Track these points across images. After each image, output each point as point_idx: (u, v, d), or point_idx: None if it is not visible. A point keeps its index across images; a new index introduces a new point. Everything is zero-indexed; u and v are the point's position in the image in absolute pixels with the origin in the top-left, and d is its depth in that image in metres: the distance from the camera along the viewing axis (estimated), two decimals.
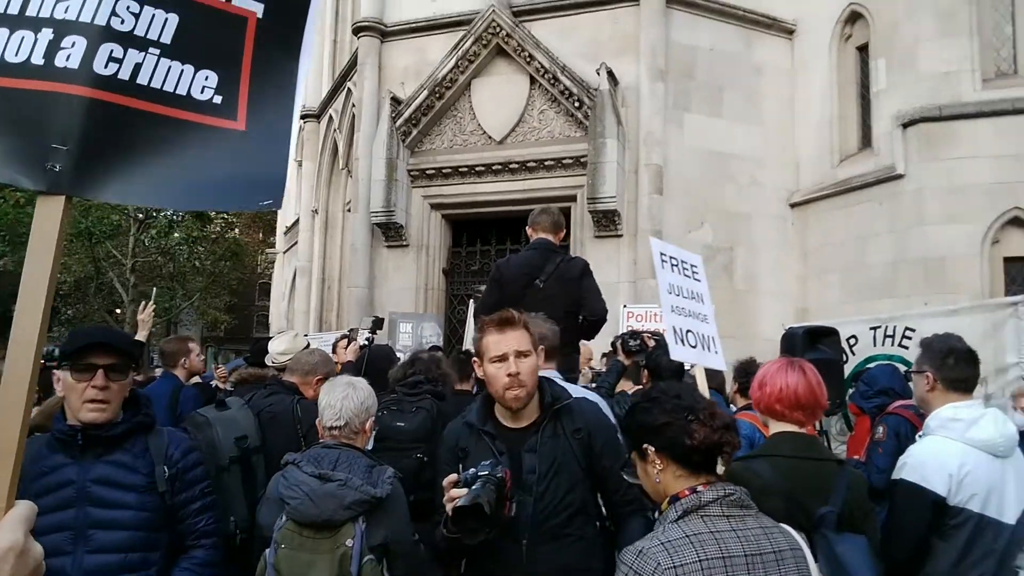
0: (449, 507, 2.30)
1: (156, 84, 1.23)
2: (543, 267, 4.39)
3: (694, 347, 3.51)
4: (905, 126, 8.78)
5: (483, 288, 5.09)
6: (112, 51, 1.22)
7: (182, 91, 1.25)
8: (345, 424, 2.88)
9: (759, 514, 1.85)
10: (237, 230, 34.80)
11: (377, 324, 5.17)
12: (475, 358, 2.78)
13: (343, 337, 6.68)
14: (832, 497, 2.46)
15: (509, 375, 2.53)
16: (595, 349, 6.86)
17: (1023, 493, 2.77)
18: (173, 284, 26.65)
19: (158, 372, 6.43)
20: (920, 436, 2.97)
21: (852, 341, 6.64)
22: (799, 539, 1.88)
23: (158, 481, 2.60)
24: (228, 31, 1.30)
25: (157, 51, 1.23)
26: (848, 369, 6.43)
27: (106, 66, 1.21)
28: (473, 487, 2.25)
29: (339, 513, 2.63)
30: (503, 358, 2.56)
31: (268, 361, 4.72)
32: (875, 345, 6.48)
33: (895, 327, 6.36)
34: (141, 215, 21.74)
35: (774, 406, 2.63)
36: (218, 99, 1.28)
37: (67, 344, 2.57)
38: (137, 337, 5.69)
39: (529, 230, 4.64)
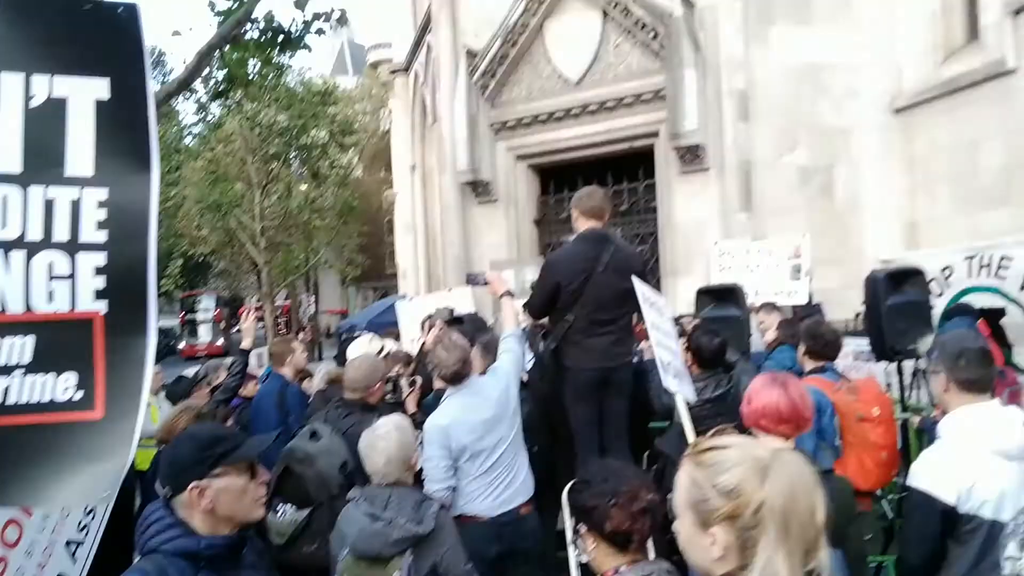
0: None
1: (23, 400, 1.49)
2: (599, 257, 4.45)
3: (676, 378, 3.68)
4: (1017, 12, 7.91)
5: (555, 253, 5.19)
6: None
7: (46, 399, 1.53)
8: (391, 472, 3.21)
9: None
10: (360, 170, 35.99)
11: (454, 319, 5.38)
12: None
13: (427, 318, 7.02)
14: None
15: None
16: None
17: None
18: (301, 239, 28.20)
19: None
20: (935, 438, 2.95)
21: (947, 272, 6.34)
22: None
23: None
24: (79, 334, 1.55)
25: (22, 370, 1.50)
26: (943, 302, 6.15)
27: None
28: None
29: (386, 549, 2.99)
30: None
31: None
32: (970, 276, 6.16)
33: (991, 256, 6.00)
34: (263, 182, 22.97)
35: (760, 421, 2.80)
36: (79, 395, 1.55)
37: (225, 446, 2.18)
38: (243, 345, 6.27)
39: (574, 213, 4.65)
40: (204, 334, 37.70)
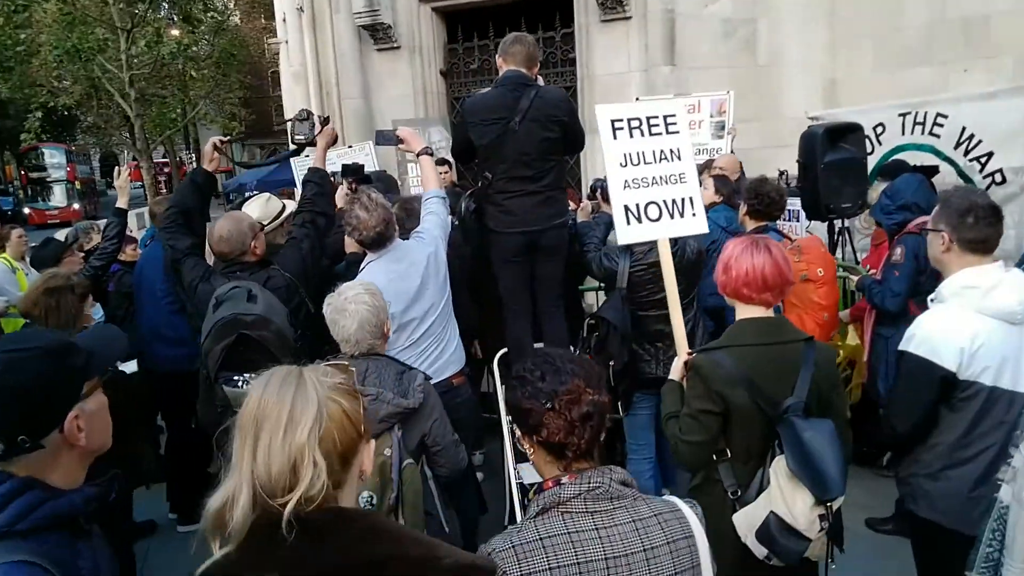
0: None
1: None
2: (516, 105, 3.93)
3: (656, 219, 3.23)
4: None
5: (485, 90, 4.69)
6: None
7: None
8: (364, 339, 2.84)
9: (636, 502, 1.66)
10: (237, 17, 33.03)
11: (355, 173, 4.75)
12: None
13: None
14: (799, 383, 2.43)
15: None
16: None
17: None
18: (176, 91, 25.86)
19: None
20: (932, 301, 2.73)
21: (879, 129, 6.18)
22: (692, 522, 1.69)
23: None
24: None
25: None
26: (875, 159, 6.02)
27: None
28: None
29: (374, 427, 2.64)
30: None
31: None
32: (903, 133, 6.02)
33: (926, 113, 5.85)
34: (127, 27, 20.48)
35: (741, 290, 2.55)
36: None
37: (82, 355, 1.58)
38: (118, 204, 5.48)
39: (499, 60, 4.11)
40: (58, 197, 34.10)
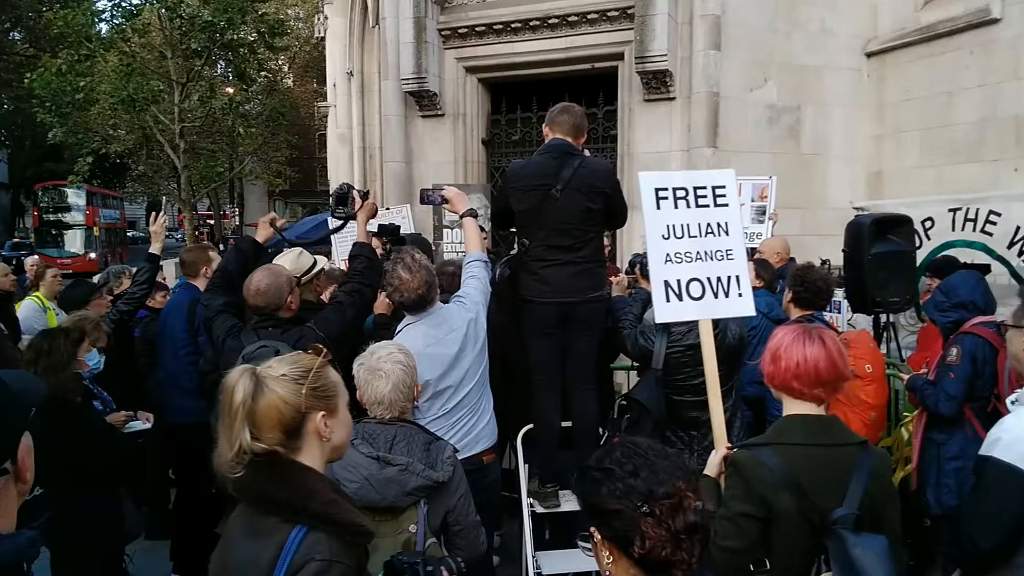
0: None
1: None
2: (559, 173, 3.85)
3: (698, 298, 3.01)
4: None
5: (516, 161, 4.64)
6: None
7: None
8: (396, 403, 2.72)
9: None
10: (291, 79, 34.13)
11: (390, 233, 4.70)
12: None
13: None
14: (850, 492, 2.20)
15: None
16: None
17: None
18: (224, 146, 26.54)
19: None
20: (1014, 404, 2.55)
21: (928, 224, 6.00)
22: None
23: None
24: None
25: None
26: (922, 255, 5.83)
27: None
28: None
29: (401, 499, 2.52)
30: None
31: None
32: (954, 230, 5.84)
33: (978, 210, 5.68)
34: (182, 81, 21.20)
35: (791, 383, 2.33)
36: None
37: None
38: (151, 250, 5.47)
39: (546, 129, 4.08)
40: (73, 243, 30.13)
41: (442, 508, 2.63)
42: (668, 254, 3.01)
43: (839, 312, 6.00)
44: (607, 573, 1.49)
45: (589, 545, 1.57)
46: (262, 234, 4.16)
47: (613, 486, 1.45)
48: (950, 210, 5.80)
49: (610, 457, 1.50)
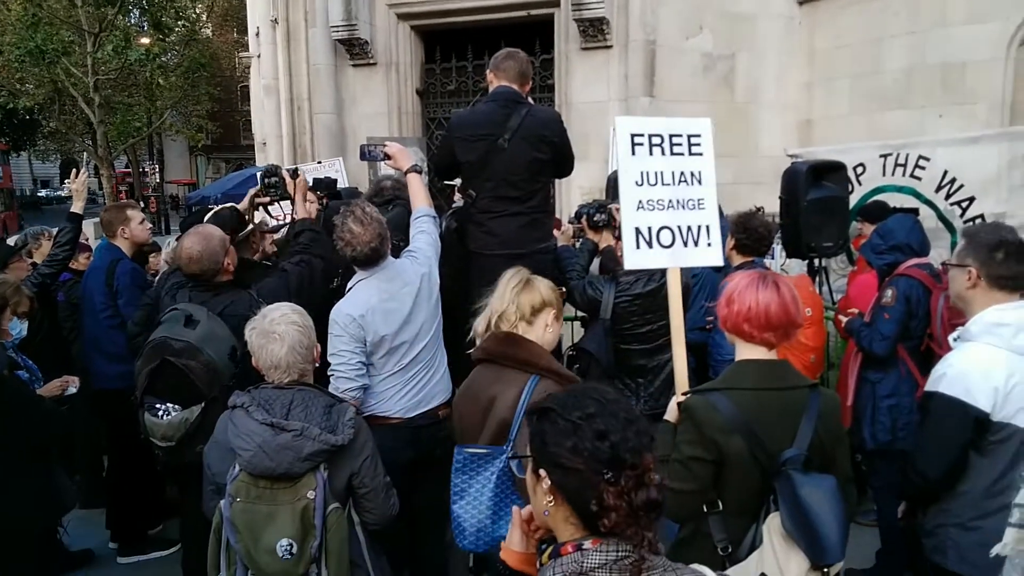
0: None
1: None
2: (506, 123, 3.77)
3: (668, 246, 2.97)
4: None
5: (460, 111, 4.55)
6: None
7: None
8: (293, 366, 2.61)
9: (666, 573, 1.41)
10: (209, 29, 32.68)
11: (326, 187, 4.56)
12: None
13: None
14: (800, 434, 2.24)
15: None
16: None
17: None
18: (142, 99, 25.33)
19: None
20: (956, 341, 2.63)
21: (859, 170, 6.13)
22: None
23: None
24: None
25: None
26: (854, 200, 5.96)
27: None
28: None
29: (296, 466, 2.42)
30: None
31: None
32: (884, 175, 5.98)
33: (907, 155, 5.81)
34: (94, 31, 19.98)
35: (742, 326, 2.36)
36: None
37: None
38: (73, 209, 5.17)
39: (490, 75, 3.97)
40: None
41: (345, 472, 2.56)
42: (640, 201, 2.96)
43: (772, 258, 6.11)
44: (545, 512, 1.47)
45: (519, 463, 1.56)
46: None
47: (580, 444, 1.39)
48: (881, 156, 5.93)
49: (579, 408, 1.43)
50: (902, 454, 3.60)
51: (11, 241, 6.19)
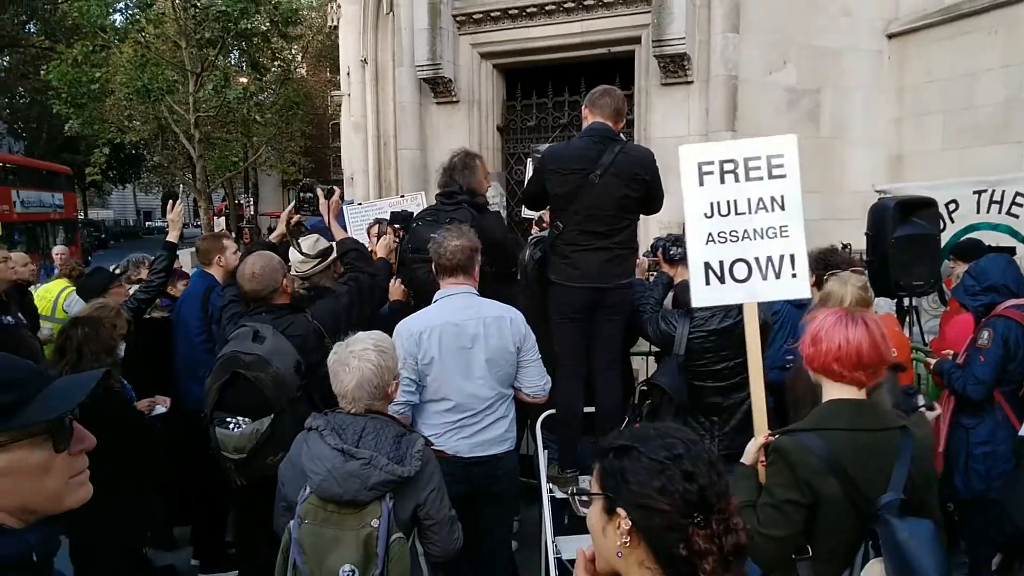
0: None
1: None
2: (599, 159, 3.81)
3: (743, 280, 2.83)
4: None
5: (541, 147, 4.63)
6: None
7: None
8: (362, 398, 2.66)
9: None
10: (304, 69, 34.10)
11: (403, 221, 4.69)
12: None
13: (375, 223, 6.34)
14: (894, 477, 2.17)
15: None
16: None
17: None
18: (239, 135, 26.58)
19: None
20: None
21: (952, 207, 5.91)
22: None
23: None
24: None
25: None
26: (946, 238, 5.74)
27: None
28: None
29: (363, 494, 2.47)
30: None
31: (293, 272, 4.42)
32: (978, 212, 5.74)
33: (1003, 192, 5.58)
34: (196, 71, 21.19)
35: (831, 366, 2.28)
36: None
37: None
38: (168, 239, 5.46)
39: (585, 111, 4.02)
40: None
41: (411, 502, 2.58)
42: (711, 234, 2.84)
43: None
44: (618, 554, 1.41)
45: (583, 500, 1.51)
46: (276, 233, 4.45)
47: (669, 485, 1.34)
48: (975, 192, 5.71)
49: (666, 448, 1.38)
50: (996, 503, 3.41)
51: (114, 268, 6.59)
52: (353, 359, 2.63)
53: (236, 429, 3.28)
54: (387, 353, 2.71)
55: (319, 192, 4.18)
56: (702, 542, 1.30)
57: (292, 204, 4.41)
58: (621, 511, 1.38)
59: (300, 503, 2.55)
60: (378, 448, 2.53)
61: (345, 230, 7.76)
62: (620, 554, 1.40)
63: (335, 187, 4.47)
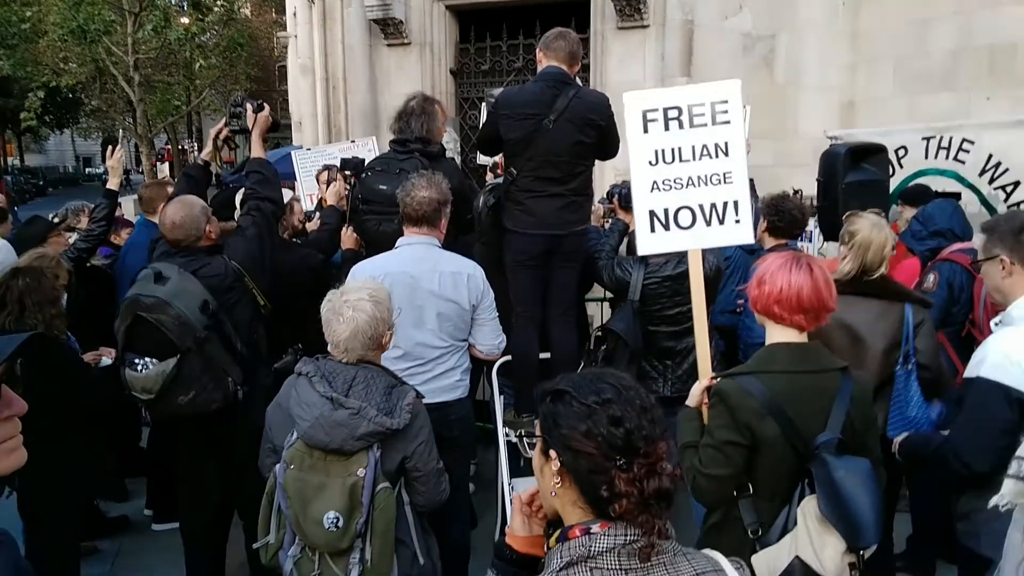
0: None
1: None
2: (553, 103, 3.73)
3: (687, 227, 2.81)
4: None
5: (496, 91, 4.53)
6: None
7: None
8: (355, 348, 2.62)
9: (676, 558, 1.37)
10: (248, 9, 32.89)
11: (354, 167, 4.57)
12: None
13: (324, 169, 6.21)
14: (833, 417, 2.23)
15: None
16: None
17: None
18: (182, 78, 25.64)
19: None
20: (997, 325, 2.57)
21: (901, 152, 5.97)
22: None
23: None
24: None
25: None
26: (895, 183, 5.80)
27: None
28: None
29: (350, 443, 2.45)
30: None
31: None
32: (927, 158, 5.80)
33: (951, 138, 5.64)
34: (135, 10, 20.23)
35: (772, 308, 2.34)
36: None
37: None
38: (109, 185, 5.25)
39: (539, 54, 3.92)
40: None
41: (398, 453, 2.57)
42: (655, 182, 2.81)
43: (810, 241, 6.00)
44: (552, 493, 1.44)
45: (530, 442, 1.53)
46: (207, 154, 4.24)
47: (595, 429, 1.36)
48: (924, 138, 5.77)
49: (596, 393, 1.40)
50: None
51: (53, 216, 6.33)
52: (348, 309, 2.57)
53: (143, 370, 3.25)
54: (382, 304, 2.65)
55: (248, 107, 4.04)
56: (623, 485, 1.32)
57: (223, 120, 4.26)
58: (553, 452, 1.42)
59: (287, 448, 2.54)
60: (368, 399, 2.50)
61: (293, 176, 7.63)
62: (554, 493, 1.45)
63: (265, 103, 4.33)
